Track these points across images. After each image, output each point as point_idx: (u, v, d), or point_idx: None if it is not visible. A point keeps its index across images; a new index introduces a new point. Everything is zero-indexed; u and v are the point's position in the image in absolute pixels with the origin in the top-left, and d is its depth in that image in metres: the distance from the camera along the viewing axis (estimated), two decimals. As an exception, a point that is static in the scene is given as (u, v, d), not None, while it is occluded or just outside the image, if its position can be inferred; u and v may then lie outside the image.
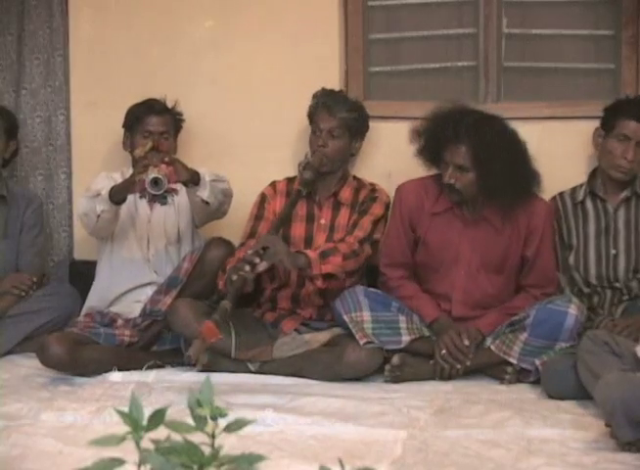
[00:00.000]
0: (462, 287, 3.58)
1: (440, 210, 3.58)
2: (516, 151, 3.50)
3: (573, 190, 3.77)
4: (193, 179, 3.54)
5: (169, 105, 3.91)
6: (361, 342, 3.41)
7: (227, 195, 3.73)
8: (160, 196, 3.55)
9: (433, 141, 3.52)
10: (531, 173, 3.52)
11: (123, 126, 3.93)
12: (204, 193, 3.56)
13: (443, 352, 3.44)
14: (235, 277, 3.31)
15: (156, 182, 3.38)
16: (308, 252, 3.48)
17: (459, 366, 3.43)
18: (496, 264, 3.57)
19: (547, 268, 3.61)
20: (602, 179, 3.72)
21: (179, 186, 3.68)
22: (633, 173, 3.66)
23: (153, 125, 3.85)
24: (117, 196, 3.56)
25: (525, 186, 3.52)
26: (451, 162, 3.44)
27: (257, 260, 3.33)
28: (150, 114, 3.85)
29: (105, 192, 3.56)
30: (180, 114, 3.95)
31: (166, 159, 3.50)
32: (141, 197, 3.44)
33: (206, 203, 3.59)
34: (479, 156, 3.42)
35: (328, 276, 3.45)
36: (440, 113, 3.52)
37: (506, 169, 3.43)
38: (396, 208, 3.64)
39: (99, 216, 3.59)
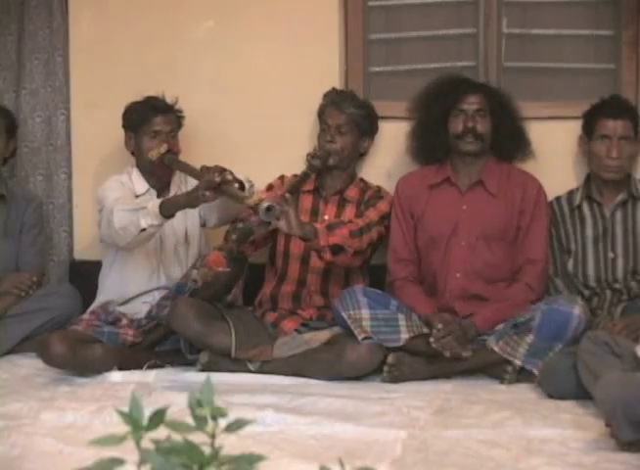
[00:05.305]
0: (462, 257, 3.62)
1: (438, 180, 3.70)
2: (516, 106, 3.76)
3: (570, 194, 3.78)
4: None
5: (170, 102, 3.83)
6: (360, 337, 3.40)
7: None
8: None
9: (443, 97, 3.66)
10: (526, 132, 3.76)
11: (124, 126, 3.85)
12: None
13: (440, 326, 3.40)
14: (241, 225, 3.31)
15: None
16: (315, 224, 3.48)
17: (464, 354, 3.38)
18: (494, 232, 3.63)
19: (538, 242, 3.64)
20: (596, 184, 3.73)
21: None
22: (623, 171, 3.68)
23: (160, 125, 3.77)
24: (172, 211, 3.41)
25: (525, 143, 3.74)
26: (470, 108, 3.62)
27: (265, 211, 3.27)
28: (156, 113, 3.77)
29: (152, 205, 3.39)
30: (181, 111, 3.88)
31: (229, 176, 3.31)
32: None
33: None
34: (494, 101, 3.68)
35: (336, 249, 3.41)
36: (445, 76, 3.78)
37: (514, 119, 3.70)
38: (395, 198, 3.74)
39: (142, 230, 3.39)
